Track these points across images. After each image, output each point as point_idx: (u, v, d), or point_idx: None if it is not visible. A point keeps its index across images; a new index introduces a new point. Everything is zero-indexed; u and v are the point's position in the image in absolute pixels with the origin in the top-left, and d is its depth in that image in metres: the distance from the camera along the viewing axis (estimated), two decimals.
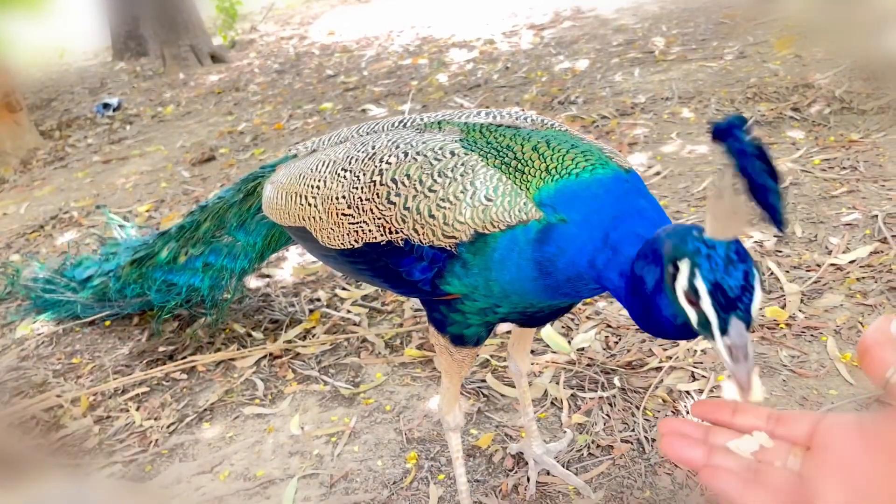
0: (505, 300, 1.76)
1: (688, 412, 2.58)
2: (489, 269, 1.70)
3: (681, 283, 1.27)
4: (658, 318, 1.40)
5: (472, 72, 7.67)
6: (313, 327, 3.51)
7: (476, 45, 8.82)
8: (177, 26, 10.56)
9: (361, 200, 1.91)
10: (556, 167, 1.70)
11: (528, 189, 1.68)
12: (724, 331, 1.21)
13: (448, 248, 1.74)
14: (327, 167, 2.08)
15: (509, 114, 2.02)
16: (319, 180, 2.08)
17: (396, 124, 2.17)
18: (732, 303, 1.21)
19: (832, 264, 3.20)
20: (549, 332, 3.10)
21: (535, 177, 1.69)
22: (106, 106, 9.10)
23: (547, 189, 1.67)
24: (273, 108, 7.80)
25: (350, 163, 2.00)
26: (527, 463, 2.50)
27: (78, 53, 14.16)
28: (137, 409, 3.12)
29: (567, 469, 2.44)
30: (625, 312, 3.16)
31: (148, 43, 12.28)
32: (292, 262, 4.09)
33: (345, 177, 1.99)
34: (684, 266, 1.27)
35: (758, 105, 5.05)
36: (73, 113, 9.40)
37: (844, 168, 3.99)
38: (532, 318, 1.96)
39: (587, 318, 3.19)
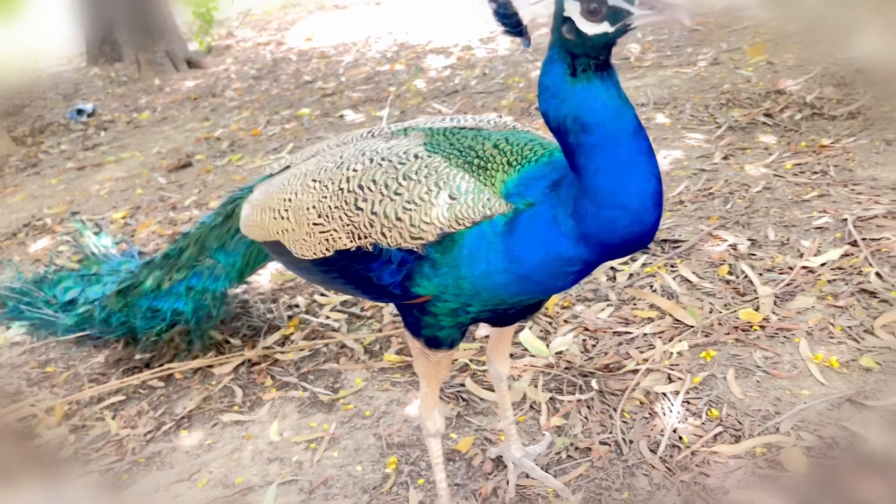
0: (475, 298, 1.78)
1: (664, 414, 2.61)
2: (458, 267, 1.73)
3: (575, 13, 1.47)
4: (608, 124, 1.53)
5: (449, 78, 7.70)
6: (292, 333, 3.50)
7: (454, 52, 8.86)
8: (152, 32, 10.47)
9: (331, 209, 1.94)
10: (516, 159, 1.77)
11: (493, 184, 1.73)
12: (631, 2, 1.44)
13: (415, 249, 1.78)
14: (298, 180, 2.12)
15: (473, 118, 2.06)
16: (291, 193, 2.12)
17: (365, 135, 2.20)
18: None
19: (804, 267, 3.26)
20: (527, 336, 3.12)
21: (498, 171, 1.75)
22: (80, 112, 9.00)
23: (511, 180, 1.73)
24: (250, 113, 7.77)
25: (319, 173, 2.03)
26: (506, 466, 2.52)
27: (51, 59, 13.98)
28: (114, 417, 3.10)
29: (546, 472, 2.46)
30: (602, 315, 3.20)
31: (123, 48, 12.15)
32: (270, 269, 4.08)
33: (314, 187, 2.02)
34: (571, 2, 1.48)
35: (731, 111, 5.13)
36: (47, 119, 9.27)
37: (815, 172, 4.07)
38: (504, 317, 2.00)
39: (565, 321, 3.22)
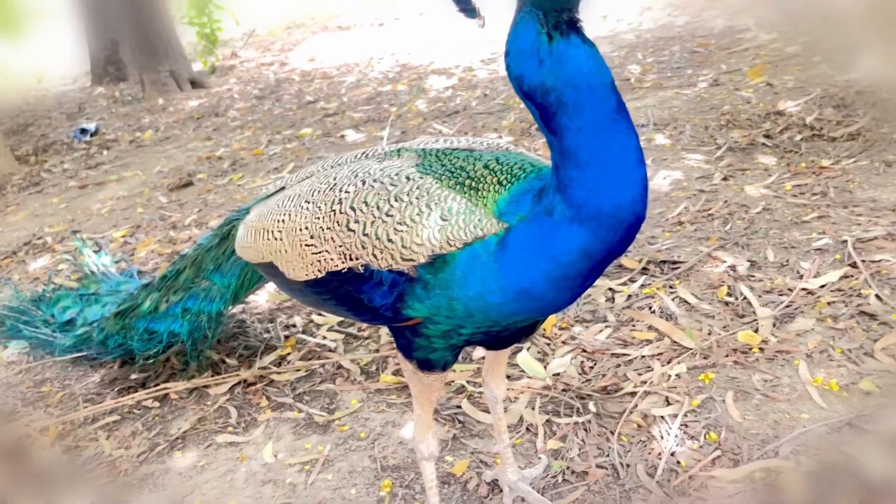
0: (468, 320, 1.77)
1: (662, 437, 2.58)
2: (450, 288, 1.71)
3: None
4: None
5: (450, 98, 7.73)
6: (288, 353, 3.48)
7: (455, 73, 8.90)
8: (157, 52, 10.55)
9: (323, 230, 1.94)
10: (506, 178, 1.76)
11: (485, 204, 1.72)
12: None
13: (407, 270, 1.76)
14: (292, 201, 2.12)
15: (466, 139, 2.06)
16: (284, 214, 2.12)
17: (359, 156, 2.20)
18: None
19: (803, 289, 3.24)
20: (525, 357, 3.10)
21: (489, 191, 1.75)
22: (83, 131, 9.04)
23: (503, 199, 1.72)
24: (252, 133, 7.80)
25: (312, 195, 2.03)
26: (502, 490, 2.48)
27: (56, 78, 14.10)
28: (107, 438, 3.07)
29: (542, 495, 2.43)
30: (600, 336, 3.17)
31: (127, 68, 12.25)
32: (268, 288, 4.06)
33: (307, 208, 2.02)
34: None
35: (731, 132, 5.13)
36: (50, 138, 9.32)
37: (815, 194, 4.06)
38: (497, 339, 1.98)
39: (563, 342, 3.20)
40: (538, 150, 5.40)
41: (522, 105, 6.77)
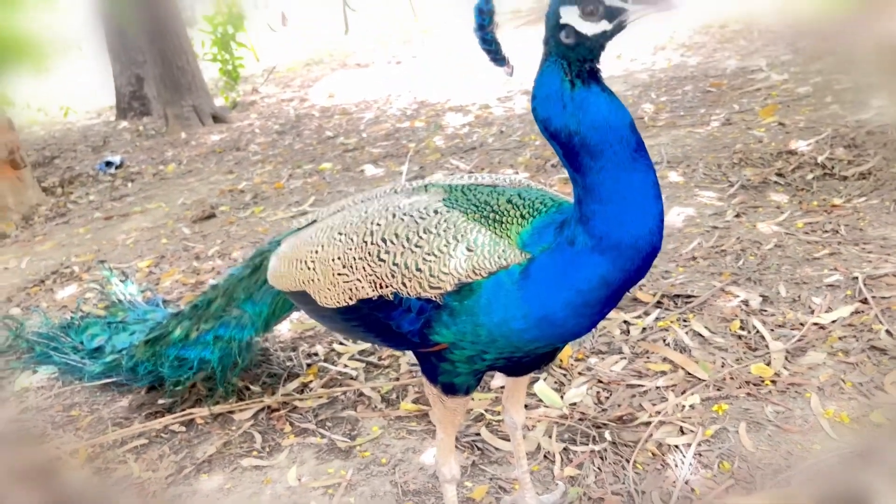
0: (492, 345, 1.87)
1: (677, 465, 2.65)
2: (476, 315, 1.82)
3: (574, 18, 1.61)
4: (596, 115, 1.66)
5: (467, 135, 7.90)
6: (311, 381, 3.57)
7: (471, 110, 9.10)
8: (181, 87, 10.84)
9: (355, 260, 2.05)
10: (528, 212, 1.89)
11: (508, 236, 1.84)
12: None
13: (434, 298, 1.87)
14: (325, 233, 2.24)
15: (489, 176, 2.19)
16: (318, 245, 2.24)
17: (388, 191, 2.33)
18: None
19: (815, 323, 3.31)
20: (542, 387, 3.18)
21: (513, 224, 1.87)
22: (108, 164, 9.28)
23: (526, 231, 1.85)
24: (273, 167, 7.99)
25: (345, 227, 2.15)
26: None
27: (81, 112, 14.47)
28: (136, 460, 3.16)
29: None
30: (616, 368, 3.25)
31: (151, 103, 12.57)
32: (290, 318, 4.17)
33: (340, 240, 2.14)
34: (567, 7, 1.62)
35: (743, 170, 5.24)
36: (76, 170, 9.57)
37: (826, 231, 4.14)
38: (518, 365, 2.08)
39: (579, 373, 3.27)
40: (553, 186, 5.52)
41: (538, 142, 6.94)
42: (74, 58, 13.29)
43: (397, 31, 18.96)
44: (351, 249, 2.08)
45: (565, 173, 5.85)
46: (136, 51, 12.19)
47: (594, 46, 1.64)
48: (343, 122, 9.83)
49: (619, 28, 1.62)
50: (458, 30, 17.66)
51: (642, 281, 3.91)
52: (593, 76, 1.66)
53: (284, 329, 4.09)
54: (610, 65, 9.64)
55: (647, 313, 3.65)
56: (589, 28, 1.61)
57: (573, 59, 1.65)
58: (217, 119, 11.17)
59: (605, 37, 1.63)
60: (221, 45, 12.15)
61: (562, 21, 1.64)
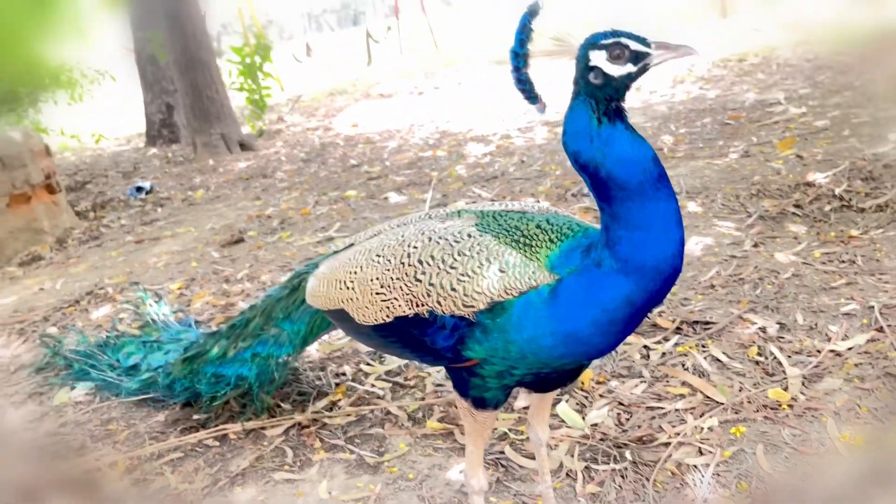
0: (521, 361, 2.00)
1: (695, 485, 2.73)
2: (507, 332, 1.95)
3: (602, 61, 1.78)
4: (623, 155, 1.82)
5: (489, 164, 8.08)
6: (339, 399, 3.70)
7: (493, 140, 9.29)
8: (210, 116, 11.14)
9: (392, 280, 2.20)
10: (556, 236, 2.03)
11: (538, 259, 1.98)
12: (648, 45, 1.77)
13: (467, 316, 2.01)
14: (363, 255, 2.40)
15: (519, 203, 2.35)
16: (357, 266, 2.39)
17: (423, 216, 2.48)
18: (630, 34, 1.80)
19: (831, 350, 3.39)
20: (564, 408, 3.28)
21: (542, 248, 2.01)
22: (139, 189, 9.56)
23: (555, 254, 1.99)
24: (299, 194, 8.20)
25: (383, 250, 2.31)
26: None
27: (112, 139, 14.87)
28: (172, 472, 3.29)
29: None
30: (636, 391, 3.35)
31: (180, 130, 12.92)
32: (320, 339, 4.31)
33: (378, 261, 2.29)
34: (595, 51, 1.80)
35: (761, 201, 5.34)
36: (108, 195, 9.85)
37: (843, 262, 4.23)
38: (545, 381, 2.20)
39: (600, 395, 3.38)
40: (574, 214, 5.64)
41: (558, 172, 7.09)
42: (108, 86, 13.71)
43: (420, 63, 19.33)
44: (389, 270, 2.22)
45: (585, 203, 5.99)
46: (167, 80, 12.57)
47: (620, 87, 1.80)
48: (367, 151, 10.06)
49: (643, 70, 1.78)
50: (478, 63, 17.98)
51: (662, 308, 4.02)
52: (619, 115, 1.82)
53: (313, 350, 4.22)
54: (630, 97, 9.78)
55: (666, 339, 3.75)
56: (615, 70, 1.77)
57: (601, 97, 1.80)
58: (244, 147, 11.46)
59: (630, 78, 1.79)
60: (248, 75, 12.49)
61: (591, 63, 1.79)
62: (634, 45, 1.75)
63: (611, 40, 1.76)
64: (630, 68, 1.77)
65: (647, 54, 1.76)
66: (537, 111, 1.94)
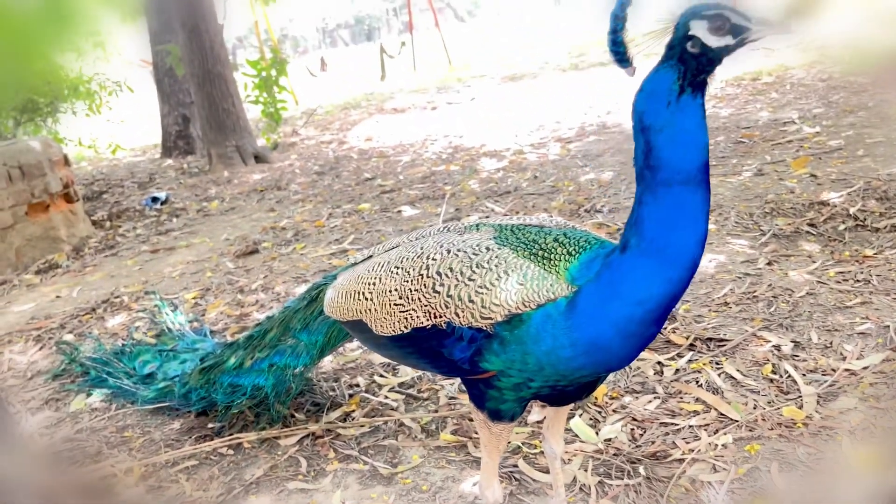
0: (539, 373, 2.02)
1: (710, 501, 2.73)
2: (525, 343, 1.98)
3: (702, 31, 1.77)
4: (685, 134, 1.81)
5: (502, 179, 8.11)
6: (353, 410, 3.72)
7: (506, 155, 9.33)
8: (225, 128, 11.25)
9: (411, 291, 2.23)
10: (574, 249, 2.06)
11: (556, 272, 2.01)
12: (749, 20, 1.75)
13: (485, 328, 2.03)
14: (382, 267, 2.43)
15: (536, 217, 2.38)
16: (375, 278, 2.42)
17: (441, 229, 2.51)
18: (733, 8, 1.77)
19: (846, 369, 3.39)
20: (578, 423, 3.29)
21: (560, 260, 2.03)
22: (154, 199, 9.65)
23: (574, 267, 2.01)
24: (313, 206, 8.26)
25: (402, 262, 2.33)
26: None
27: (127, 149, 15.02)
28: (187, 480, 3.32)
29: None
30: (650, 406, 3.35)
31: (196, 142, 13.05)
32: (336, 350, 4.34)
33: (397, 273, 2.32)
34: (697, 21, 1.77)
35: (775, 219, 5.35)
36: (123, 205, 9.95)
37: (858, 281, 4.23)
38: (561, 394, 2.22)
39: (614, 411, 3.38)
40: (588, 230, 5.66)
41: (571, 188, 7.11)
42: (125, 98, 13.88)
43: (433, 78, 19.45)
44: (407, 282, 2.25)
45: (599, 218, 6.01)
46: (184, 93, 12.72)
47: (715, 58, 1.79)
48: (380, 165, 10.12)
49: (741, 44, 1.77)
50: (491, 78, 18.08)
51: (675, 324, 4.02)
52: (701, 89, 1.83)
53: (327, 361, 4.24)
54: None
55: (680, 355, 3.75)
56: (714, 41, 1.77)
57: (692, 67, 1.80)
58: (259, 159, 11.55)
59: (727, 51, 1.78)
60: (264, 88, 12.60)
61: (690, 32, 1.79)
62: (735, 19, 1.75)
63: (713, 11, 1.77)
64: (728, 40, 1.77)
65: (747, 28, 1.75)
66: (626, 74, 1.93)
